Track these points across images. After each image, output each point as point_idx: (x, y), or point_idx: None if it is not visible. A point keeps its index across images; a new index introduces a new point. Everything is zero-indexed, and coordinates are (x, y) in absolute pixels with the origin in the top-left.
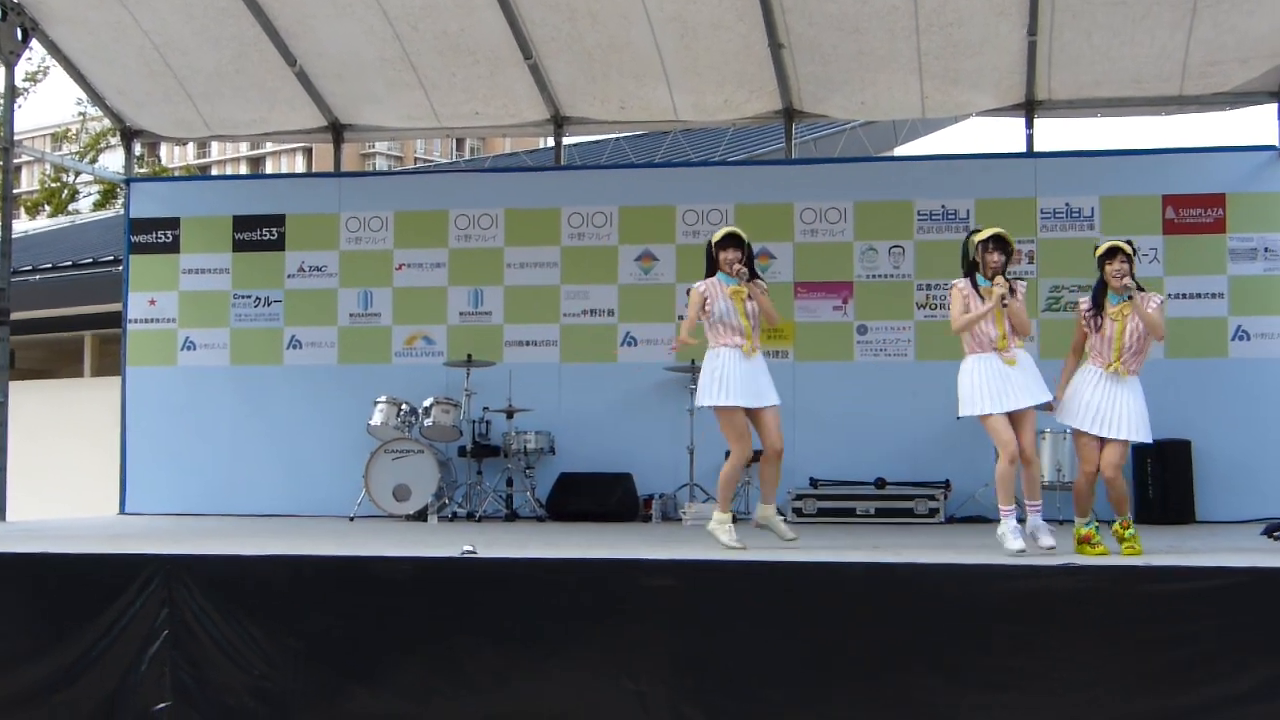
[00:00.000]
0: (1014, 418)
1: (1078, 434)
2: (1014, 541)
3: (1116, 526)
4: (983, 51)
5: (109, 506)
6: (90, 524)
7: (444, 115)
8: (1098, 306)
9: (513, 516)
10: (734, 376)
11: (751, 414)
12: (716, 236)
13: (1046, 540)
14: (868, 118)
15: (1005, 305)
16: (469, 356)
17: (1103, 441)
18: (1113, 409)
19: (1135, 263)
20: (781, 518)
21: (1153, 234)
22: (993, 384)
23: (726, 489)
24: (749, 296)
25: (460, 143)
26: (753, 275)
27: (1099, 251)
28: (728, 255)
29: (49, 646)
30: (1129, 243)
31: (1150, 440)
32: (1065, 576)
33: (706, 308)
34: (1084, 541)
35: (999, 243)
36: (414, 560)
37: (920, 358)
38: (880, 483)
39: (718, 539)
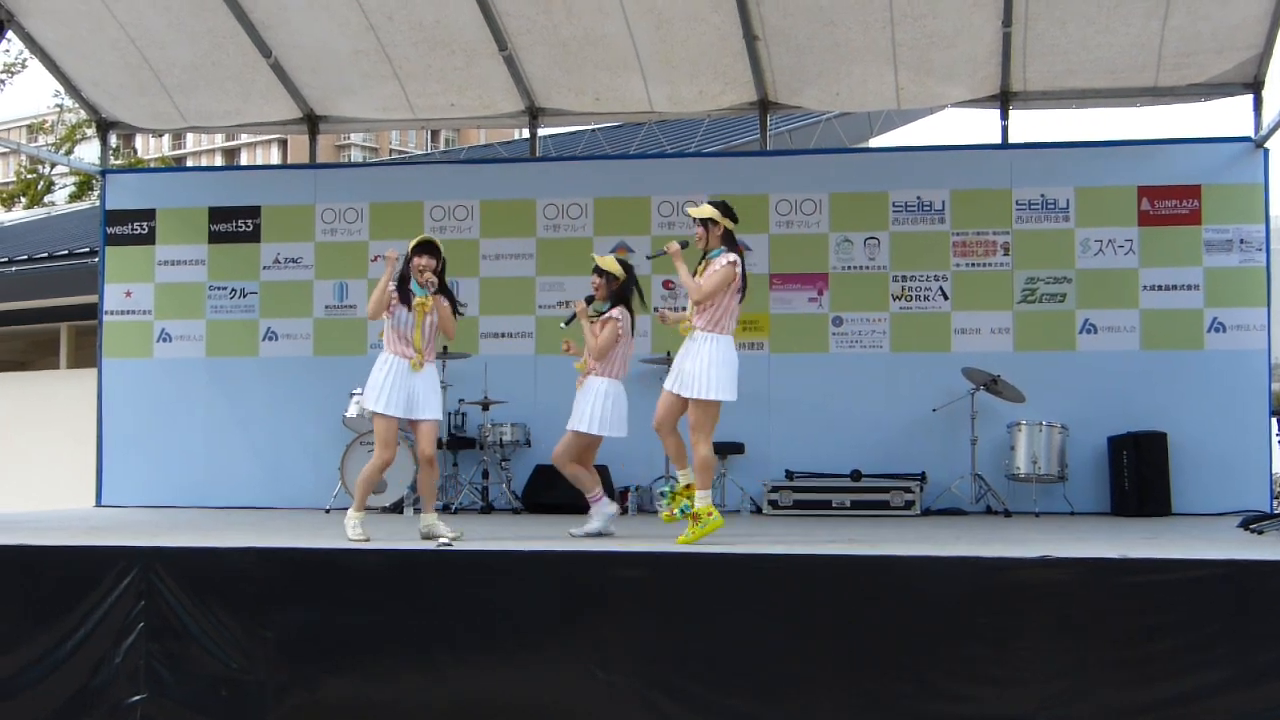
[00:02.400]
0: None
1: None
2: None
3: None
4: (957, 43)
5: (85, 499)
6: (66, 516)
7: (419, 107)
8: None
9: (488, 509)
10: (396, 385)
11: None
12: (413, 241)
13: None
14: (843, 109)
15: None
16: (444, 348)
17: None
18: (681, 366)
19: (716, 225)
20: (438, 517)
21: (1128, 225)
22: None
23: (363, 487)
24: (430, 310)
25: (435, 134)
26: (442, 288)
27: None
28: (420, 262)
29: (24, 639)
30: (719, 205)
31: (698, 396)
32: (1042, 568)
33: (391, 309)
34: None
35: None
36: (389, 552)
37: (896, 349)
38: (856, 475)
39: (346, 532)
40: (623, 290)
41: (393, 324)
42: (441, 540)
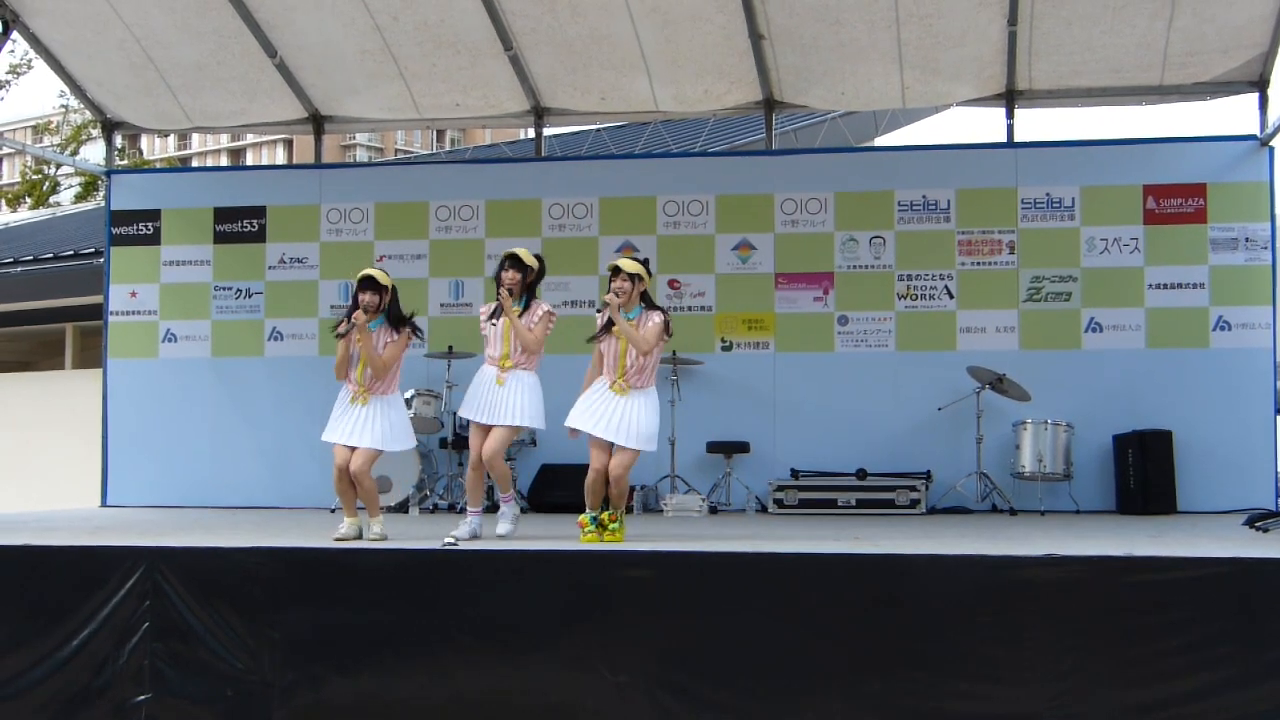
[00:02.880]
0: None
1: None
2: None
3: (604, 516)
4: (963, 42)
5: (91, 499)
6: (72, 516)
7: (424, 107)
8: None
9: (494, 508)
10: (341, 414)
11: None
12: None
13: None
14: (848, 108)
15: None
16: (450, 348)
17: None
18: (617, 415)
19: (641, 281)
20: (376, 522)
21: (1133, 224)
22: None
23: (339, 497)
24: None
25: (441, 134)
26: (393, 318)
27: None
28: (363, 299)
29: (29, 638)
30: (644, 261)
31: (651, 449)
32: (1048, 567)
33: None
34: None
35: (513, 260)
36: (395, 552)
37: (901, 348)
38: (861, 474)
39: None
40: (537, 282)
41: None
42: (446, 540)
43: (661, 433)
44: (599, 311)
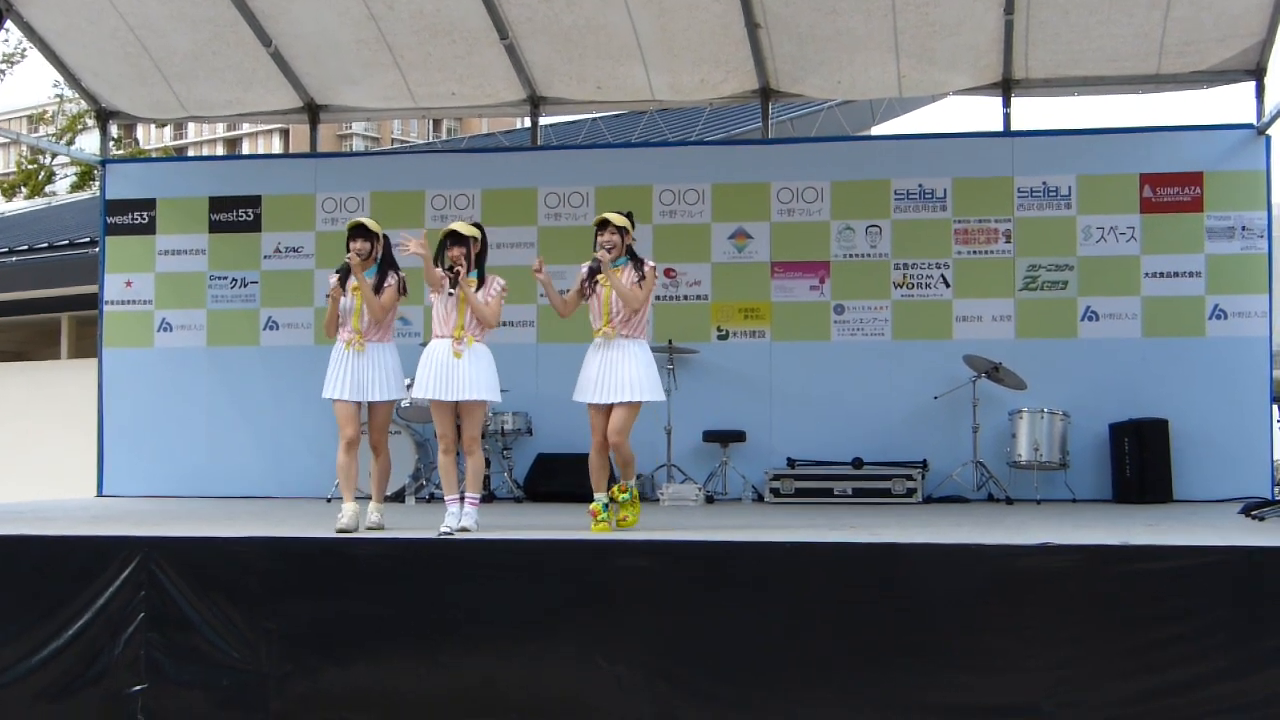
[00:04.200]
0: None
1: (589, 407)
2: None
3: (615, 490)
4: (959, 31)
5: (86, 488)
6: (67, 506)
7: (420, 96)
8: (593, 274)
9: (490, 498)
10: (342, 371)
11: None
12: (347, 225)
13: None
14: (844, 97)
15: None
16: None
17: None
18: (611, 375)
19: (628, 234)
20: (375, 508)
21: (1130, 212)
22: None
23: (340, 476)
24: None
25: (437, 123)
26: (385, 263)
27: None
28: (354, 246)
29: (24, 628)
30: (628, 215)
31: (644, 399)
32: (1044, 556)
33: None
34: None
35: (453, 236)
36: (391, 542)
37: (897, 337)
38: (858, 463)
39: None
40: (484, 254)
41: (340, 311)
42: (442, 530)
43: (658, 422)
44: (583, 274)
